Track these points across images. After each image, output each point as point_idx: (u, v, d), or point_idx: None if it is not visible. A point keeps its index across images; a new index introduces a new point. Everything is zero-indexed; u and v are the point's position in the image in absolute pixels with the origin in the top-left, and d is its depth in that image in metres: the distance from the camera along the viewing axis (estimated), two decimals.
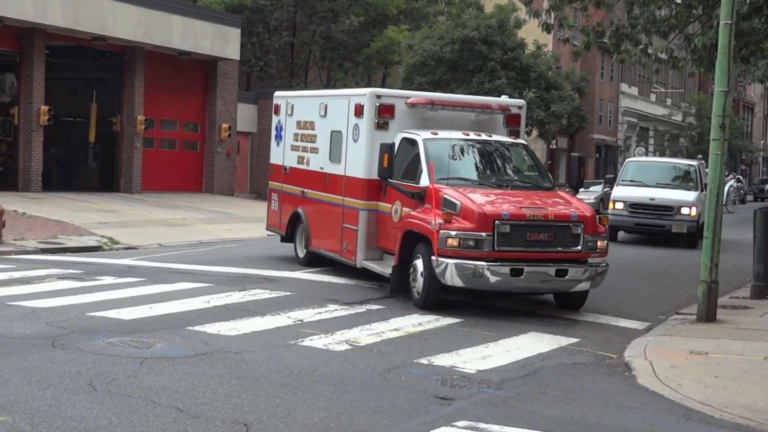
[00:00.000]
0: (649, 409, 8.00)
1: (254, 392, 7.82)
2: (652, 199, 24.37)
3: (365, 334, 10.49)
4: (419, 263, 12.71)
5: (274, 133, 18.09)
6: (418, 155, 13.55)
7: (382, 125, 14.35)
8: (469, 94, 37.97)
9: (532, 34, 37.76)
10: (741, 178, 69.42)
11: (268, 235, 19.75)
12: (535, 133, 43.87)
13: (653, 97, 72.61)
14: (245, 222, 26.21)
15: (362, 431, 6.93)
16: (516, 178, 13.89)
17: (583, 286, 12.67)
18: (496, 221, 12.10)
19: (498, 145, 14.25)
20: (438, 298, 12.66)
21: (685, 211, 24.04)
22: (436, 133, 13.93)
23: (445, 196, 12.61)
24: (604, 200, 40.27)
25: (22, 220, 22.38)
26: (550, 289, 12.77)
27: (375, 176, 14.03)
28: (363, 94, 14.61)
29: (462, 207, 12.33)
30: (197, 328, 10.43)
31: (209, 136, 37.00)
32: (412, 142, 13.83)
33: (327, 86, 48.11)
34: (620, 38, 18.42)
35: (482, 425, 7.16)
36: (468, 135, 14.12)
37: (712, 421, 7.68)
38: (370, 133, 14.35)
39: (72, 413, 6.99)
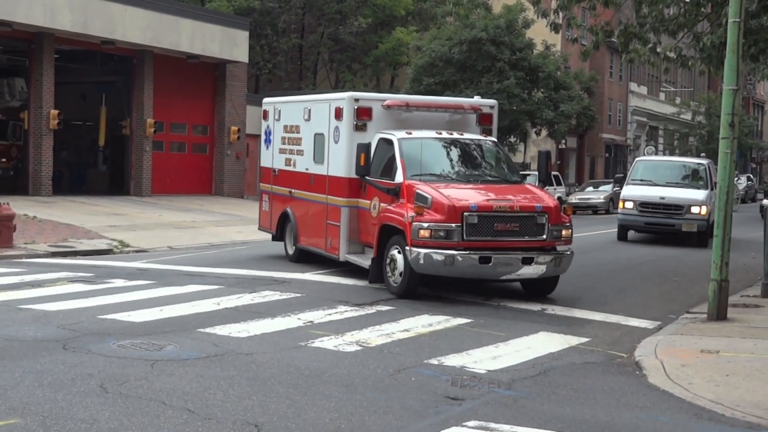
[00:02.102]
0: (660, 408, 7.98)
1: (265, 393, 7.83)
2: (662, 198, 24.31)
3: (375, 335, 10.50)
4: (395, 254, 13.58)
5: (263, 137, 18.92)
6: (393, 154, 14.43)
7: (360, 127, 15.27)
8: (478, 94, 37.98)
9: (540, 34, 37.71)
10: (752, 176, 69.21)
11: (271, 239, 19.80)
12: (544, 132, 43.84)
13: (662, 96, 72.44)
14: (255, 224, 26.18)
15: None
16: (485, 173, 14.77)
17: (549, 272, 13.47)
18: (465, 213, 13.01)
19: (468, 143, 15.11)
20: (414, 287, 13.38)
21: (695, 209, 23.97)
22: (411, 133, 14.83)
23: (417, 190, 13.54)
24: (613, 199, 40.31)
25: (32, 224, 22.46)
26: (517, 276, 13.48)
27: (355, 175, 14.87)
28: (342, 98, 15.54)
29: (433, 200, 13.24)
30: (208, 330, 10.45)
31: (218, 139, 37.09)
32: (389, 142, 14.71)
33: (336, 88, 48.15)
34: (629, 37, 18.37)
35: (493, 425, 7.16)
36: (440, 134, 15.05)
37: (723, 419, 7.66)
38: (349, 135, 15.26)
39: (83, 415, 7.01)
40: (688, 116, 70.00)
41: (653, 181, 25.23)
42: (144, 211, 28.42)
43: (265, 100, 19.30)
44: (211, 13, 37.57)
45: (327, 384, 8.23)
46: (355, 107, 15.30)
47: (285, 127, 17.80)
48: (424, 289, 13.87)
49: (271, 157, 18.38)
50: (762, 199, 36.24)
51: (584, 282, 15.96)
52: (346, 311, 12.03)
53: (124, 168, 35.27)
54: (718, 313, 12.00)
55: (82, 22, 30.38)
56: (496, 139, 15.67)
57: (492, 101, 16.71)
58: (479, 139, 15.29)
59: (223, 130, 36.89)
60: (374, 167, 14.57)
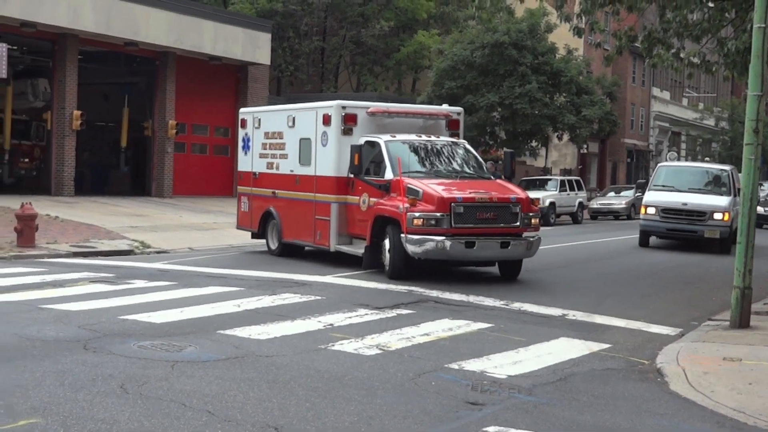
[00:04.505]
0: (682, 416, 7.93)
1: (285, 396, 7.83)
2: (685, 204, 24.16)
3: (396, 339, 10.48)
4: (388, 242, 15.55)
5: (240, 144, 20.67)
6: (380, 154, 16.45)
7: (347, 131, 17.17)
8: (500, 98, 37.96)
9: (563, 38, 37.60)
10: None
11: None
12: (566, 137, 43.70)
13: (685, 101, 72.06)
14: None
15: None
16: (462, 170, 16.80)
17: (523, 255, 15.88)
18: (452, 204, 15.07)
19: (445, 144, 17.26)
20: (404, 269, 15.42)
21: (717, 216, 23.82)
22: (395, 136, 16.90)
23: (408, 185, 15.50)
24: (635, 205, 40.14)
25: (54, 224, 22.60)
26: (497, 257, 15.86)
27: (343, 174, 16.97)
28: (330, 106, 17.49)
29: (424, 193, 15.25)
30: (228, 331, 10.47)
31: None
32: (374, 144, 16.71)
33: (357, 90, 48.18)
34: (652, 42, 18.27)
35: (513, 431, 7.12)
36: (420, 136, 17.18)
37: (746, 428, 7.59)
38: (337, 138, 17.15)
39: (104, 416, 7.04)
40: (711, 122, 69.58)
41: (675, 186, 25.07)
42: (165, 213, 28.54)
43: (242, 110, 21.42)
44: (233, 15, 37.73)
45: (347, 387, 8.22)
46: (343, 114, 17.18)
47: (266, 133, 19.54)
48: (445, 291, 13.88)
49: (250, 162, 20.14)
50: None
51: (606, 288, 15.91)
52: (366, 314, 12.03)
53: (146, 169, 35.43)
54: (741, 321, 11.90)
55: (106, 23, 30.56)
56: (466, 142, 17.90)
57: (458, 108, 19.04)
58: (454, 142, 17.47)
59: None
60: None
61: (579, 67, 42.00)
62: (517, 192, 16.04)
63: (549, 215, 35.74)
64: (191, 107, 35.41)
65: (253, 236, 20.25)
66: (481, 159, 17.79)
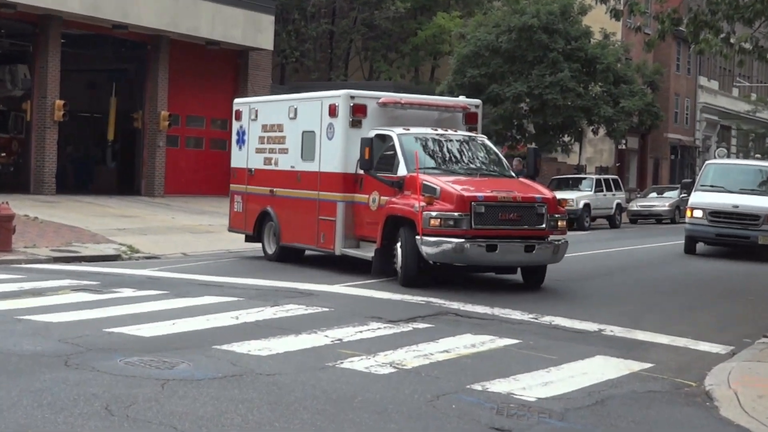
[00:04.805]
0: None
1: (288, 419, 7.79)
2: (736, 207, 24.03)
3: (411, 356, 10.43)
4: (401, 244, 15.64)
5: (235, 138, 20.87)
6: (392, 149, 16.58)
7: (355, 123, 17.26)
8: (528, 88, 37.89)
9: (598, 21, 37.48)
10: None
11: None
12: (602, 131, 43.57)
13: (736, 91, 71.75)
14: None
15: None
16: (482, 167, 17.02)
17: (549, 260, 15.96)
18: (473, 203, 15.17)
19: (463, 139, 17.41)
20: (418, 275, 15.57)
21: None
22: (408, 129, 17.00)
23: (424, 182, 15.55)
24: (680, 207, 39.99)
25: (33, 226, 22.65)
26: (520, 262, 16.00)
27: (351, 170, 17.11)
28: (338, 96, 17.60)
29: (442, 191, 15.37)
30: (225, 347, 10.43)
31: None
32: (385, 138, 16.83)
33: (369, 79, 48.21)
34: (699, 26, 18.17)
35: None
36: (436, 130, 17.29)
37: None
38: (344, 131, 17.24)
39: None
40: (764, 115, 69.27)
41: (725, 187, 24.93)
42: (156, 213, 28.58)
43: (237, 100, 21.62)
44: None
45: (357, 410, 8.17)
46: (351, 104, 17.25)
47: (264, 126, 19.68)
48: (466, 302, 13.83)
49: (245, 158, 20.29)
50: None
51: (647, 300, 15.84)
52: (378, 328, 11.98)
53: (135, 165, 35.56)
54: None
55: (92, 3, 30.67)
56: (485, 137, 18.16)
57: (477, 101, 19.22)
58: (472, 136, 17.65)
59: None
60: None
61: (617, 53, 41.86)
62: (543, 191, 16.24)
63: (583, 218, 35.66)
64: (186, 97, 35.51)
65: (248, 239, 20.42)
66: (501, 155, 18.01)
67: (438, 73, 48.63)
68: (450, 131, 17.49)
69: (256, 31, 36.45)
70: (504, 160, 17.84)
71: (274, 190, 19.19)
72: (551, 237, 15.89)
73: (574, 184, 38.30)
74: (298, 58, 45.58)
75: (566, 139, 42.58)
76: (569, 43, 38.89)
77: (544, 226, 15.67)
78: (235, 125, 20.93)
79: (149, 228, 24.89)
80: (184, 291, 14.63)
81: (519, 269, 16.71)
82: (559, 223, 15.97)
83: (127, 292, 14.32)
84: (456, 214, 15.12)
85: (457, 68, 39.39)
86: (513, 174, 17.26)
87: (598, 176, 40.95)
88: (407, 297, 14.62)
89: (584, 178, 39.77)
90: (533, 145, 19.38)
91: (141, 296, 13.97)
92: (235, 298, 13.93)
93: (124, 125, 35.87)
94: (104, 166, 38.87)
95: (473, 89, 38.25)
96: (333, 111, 17.48)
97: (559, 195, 34.97)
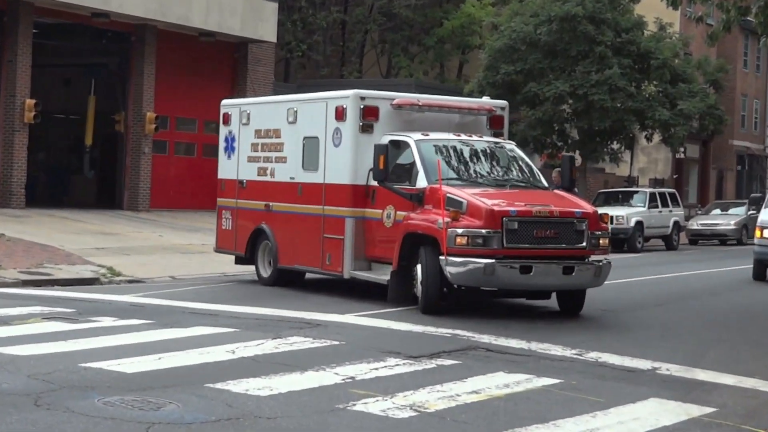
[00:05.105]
0: None
1: None
2: None
3: (435, 397, 10.41)
4: (422, 266, 15.72)
5: (223, 145, 20.99)
6: (409, 157, 16.76)
7: (366, 128, 17.40)
8: (571, 87, 37.89)
9: (653, 10, 37.48)
10: None
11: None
12: (656, 138, 43.51)
13: None
14: None
15: None
16: (513, 177, 17.25)
17: (589, 283, 16.05)
18: (504, 218, 15.25)
19: (490, 146, 17.62)
20: (441, 302, 15.77)
21: None
22: (427, 134, 17.16)
23: (449, 195, 15.67)
24: (747, 226, 39.85)
25: None
26: (558, 286, 16.01)
27: (361, 182, 17.30)
28: (346, 96, 17.70)
29: (469, 205, 15.45)
30: (219, 385, 10.43)
31: None
32: (400, 145, 17.04)
33: (387, 76, 48.32)
34: None
35: None
36: (459, 136, 17.47)
37: None
38: (354, 137, 17.40)
39: None
40: None
41: None
42: (140, 230, 28.64)
43: (225, 102, 21.79)
44: None
45: None
46: (361, 106, 17.37)
47: (257, 131, 19.87)
48: (499, 335, 13.80)
49: (235, 168, 20.47)
50: None
51: (709, 333, 15.78)
52: (397, 365, 11.96)
53: (117, 175, 35.64)
54: None
55: None
56: (513, 143, 18.47)
57: (503, 102, 19.51)
58: (500, 143, 17.90)
59: None
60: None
61: (674, 47, 41.86)
62: (582, 205, 16.51)
63: (635, 238, 35.58)
64: (175, 96, 35.61)
65: (238, 261, 20.60)
66: (532, 164, 18.16)
67: (467, 70, 48.75)
68: (474, 137, 17.67)
69: (257, 21, 36.60)
70: (536, 169, 17.97)
71: (271, 204, 19.31)
72: (592, 257, 16.03)
73: (624, 199, 38.22)
74: (305, 52, 45.71)
75: (615, 146, 42.52)
76: (619, 36, 38.89)
77: (584, 244, 15.77)
78: (223, 130, 21.02)
79: (132, 247, 24.93)
80: (172, 320, 14.63)
81: (554, 294, 16.77)
82: (601, 242, 16.06)
83: (107, 322, 14.31)
84: (485, 231, 15.19)
85: (488, 64, 39.45)
86: (546, 185, 17.42)
87: (652, 190, 40.87)
88: (430, 329, 14.59)
89: (636, 192, 39.68)
90: (570, 153, 19.48)
91: (122, 326, 13.96)
92: (231, 329, 13.92)
93: (105, 128, 35.99)
94: (81, 175, 39.01)
95: (507, 89, 38.31)
96: (340, 114, 17.59)
97: (607, 211, 35.22)
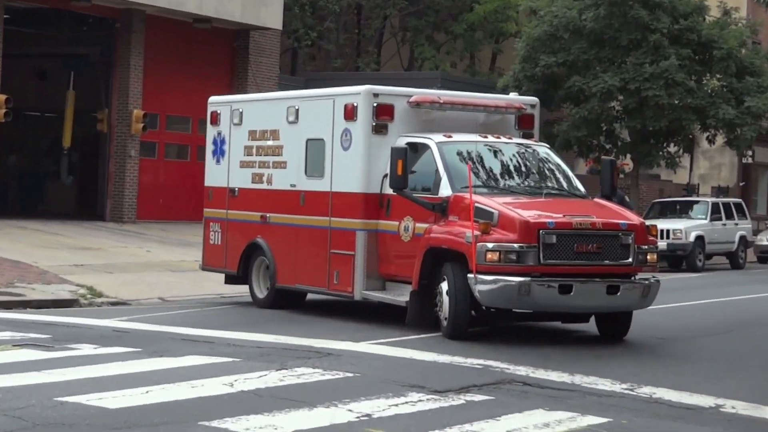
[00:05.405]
0: None
1: None
2: None
3: None
4: (447, 286, 15.81)
5: (211, 148, 21.26)
6: (430, 162, 16.87)
7: (379, 129, 17.55)
8: (622, 81, 37.84)
9: None
10: None
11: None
12: (720, 140, 43.38)
13: None
14: None
15: None
16: (547, 184, 17.41)
17: (636, 304, 16.24)
18: (541, 231, 15.35)
19: (521, 149, 17.81)
20: (469, 326, 15.88)
21: None
22: (450, 136, 17.26)
23: (477, 204, 15.73)
24: None
25: None
26: (601, 307, 16.12)
27: (374, 190, 17.44)
28: (356, 93, 17.82)
29: (500, 216, 15.56)
30: (215, 423, 10.45)
31: None
32: (419, 148, 17.17)
33: (409, 68, 48.37)
34: None
35: None
36: (486, 137, 17.60)
37: None
38: (366, 139, 17.53)
39: None
40: None
41: None
42: (125, 245, 28.69)
43: (213, 99, 21.86)
44: None
45: None
46: (374, 104, 17.51)
47: (252, 133, 20.05)
48: (537, 367, 13.78)
49: (225, 174, 20.69)
50: None
51: None
52: (420, 401, 11.96)
53: (99, 181, 35.73)
54: None
55: None
56: (547, 145, 18.69)
57: (533, 99, 19.77)
58: (532, 145, 18.11)
59: None
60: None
61: (741, 35, 41.73)
62: (628, 216, 16.57)
63: (695, 255, 35.48)
64: (166, 91, 35.69)
65: (229, 280, 20.76)
66: (568, 170, 18.31)
67: (500, 62, 48.76)
68: (503, 138, 17.80)
69: (260, 5, 36.66)
70: (572, 175, 18.13)
71: (268, 215, 19.43)
72: (639, 275, 16.11)
73: (682, 210, 38.15)
74: (315, 41, 45.77)
75: (672, 149, 42.43)
76: (677, 22, 38.84)
77: (630, 260, 15.87)
78: (211, 131, 21.16)
79: (116, 264, 24.97)
80: (161, 348, 14.64)
81: (592, 316, 16.89)
82: (649, 257, 16.15)
83: (87, 350, 14.34)
84: (520, 245, 15.30)
85: (526, 55, 39.43)
86: (585, 194, 17.51)
87: (715, 199, 40.74)
88: (458, 359, 14.57)
89: (696, 202, 39.58)
90: (611, 157, 19.51)
91: (105, 355, 13.99)
92: (229, 359, 13.93)
93: (85, 128, 36.09)
94: (58, 181, 39.08)
95: (548, 83, 38.34)
96: (350, 113, 17.71)
97: (663, 224, 35.18)
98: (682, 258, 35.62)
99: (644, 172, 45.30)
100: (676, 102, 38.64)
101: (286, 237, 18.95)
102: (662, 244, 34.18)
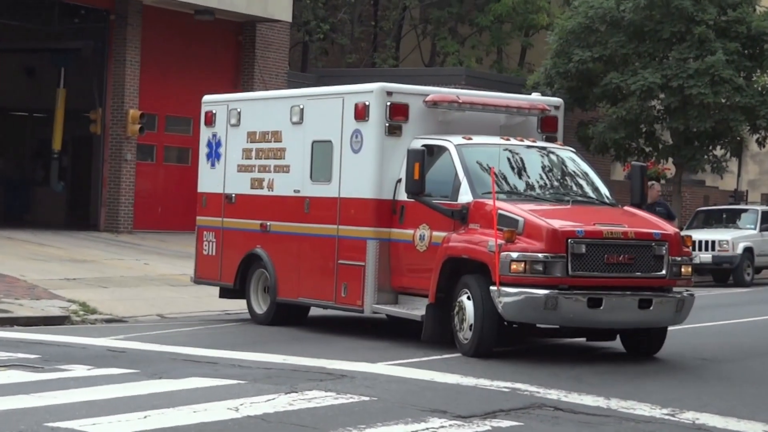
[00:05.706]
0: None
1: None
2: None
3: None
4: (468, 299, 15.92)
5: (205, 151, 21.48)
6: (449, 166, 17.01)
7: (393, 130, 17.74)
8: (664, 78, 37.77)
9: None
10: None
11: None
12: None
13: None
14: None
15: None
16: (574, 191, 17.69)
17: (670, 320, 16.45)
18: (570, 240, 15.51)
19: (547, 153, 18.13)
20: (490, 343, 15.84)
21: None
22: (470, 138, 17.42)
23: (501, 211, 15.80)
24: None
25: None
26: (632, 323, 16.28)
27: (387, 196, 17.61)
28: (368, 91, 17.95)
29: (526, 224, 15.70)
30: None
31: None
32: (436, 150, 17.29)
33: (431, 64, 48.40)
34: None
35: None
36: (508, 140, 17.71)
37: None
38: (378, 141, 17.72)
39: None
40: None
41: None
42: (121, 257, 28.74)
43: (207, 98, 22.17)
44: None
45: None
46: (388, 103, 17.70)
47: (251, 134, 20.26)
48: (570, 390, 13.80)
49: (221, 179, 20.88)
50: None
51: None
52: (442, 426, 11.98)
53: (92, 187, 35.75)
54: None
55: None
56: (572, 149, 18.77)
57: (557, 100, 20.04)
58: (557, 149, 18.32)
59: None
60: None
61: None
62: (661, 225, 16.72)
63: (743, 269, 35.35)
64: (165, 90, 35.72)
65: (224, 294, 20.99)
66: (596, 175, 18.43)
67: (530, 57, 48.75)
68: (526, 141, 18.00)
69: None
70: (600, 181, 18.29)
71: (268, 224, 19.57)
72: (674, 288, 16.27)
73: (729, 219, 38.05)
74: (328, 34, 45.78)
75: (718, 152, 42.34)
76: (724, 13, 38.75)
77: (664, 272, 16.06)
78: (206, 133, 21.34)
79: (111, 278, 25.01)
80: (160, 370, 14.67)
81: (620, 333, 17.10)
82: (684, 269, 16.27)
83: (80, 371, 14.37)
84: (546, 255, 15.44)
85: (558, 49, 39.40)
86: (614, 201, 17.72)
87: (765, 208, 40.63)
88: (483, 381, 14.58)
89: (745, 211, 39.46)
90: (640, 162, 19.65)
91: (99, 377, 14.03)
92: (234, 381, 13.95)
93: (77, 129, 36.13)
94: (48, 188, 39.11)
95: (582, 80, 38.32)
96: (361, 112, 17.85)
97: (707, 235, 35.13)
98: (728, 272, 35.52)
99: (687, 177, 45.23)
100: (723, 101, 38.51)
101: (289, 247, 19.10)
102: (707, 257, 34.32)
